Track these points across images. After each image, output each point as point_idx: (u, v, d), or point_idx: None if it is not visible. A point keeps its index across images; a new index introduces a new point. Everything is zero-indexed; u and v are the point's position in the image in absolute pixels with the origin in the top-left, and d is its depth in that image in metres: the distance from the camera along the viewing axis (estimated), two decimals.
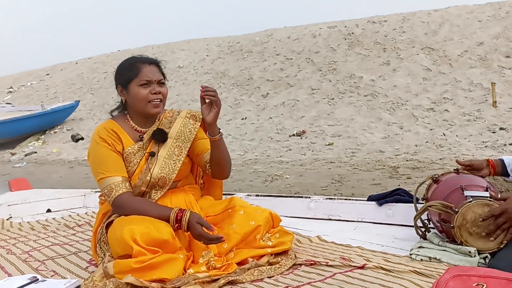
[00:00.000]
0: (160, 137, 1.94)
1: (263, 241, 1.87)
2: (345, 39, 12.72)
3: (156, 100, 1.88)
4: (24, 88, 20.12)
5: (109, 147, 1.88)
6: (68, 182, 8.09)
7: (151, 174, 1.89)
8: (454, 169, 2.12)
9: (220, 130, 1.94)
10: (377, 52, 11.77)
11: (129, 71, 1.90)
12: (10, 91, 20.28)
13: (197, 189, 2.13)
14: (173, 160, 1.94)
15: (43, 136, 13.71)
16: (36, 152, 12.17)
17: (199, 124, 2.02)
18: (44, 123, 13.73)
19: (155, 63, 1.95)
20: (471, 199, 1.69)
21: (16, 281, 1.73)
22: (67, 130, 13.66)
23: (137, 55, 2.02)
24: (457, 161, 2.14)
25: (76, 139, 12.47)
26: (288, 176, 6.79)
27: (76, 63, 21.31)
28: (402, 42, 11.73)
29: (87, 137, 12.61)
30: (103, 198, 2.01)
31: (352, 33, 12.87)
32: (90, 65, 19.62)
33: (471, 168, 2.05)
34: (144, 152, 1.92)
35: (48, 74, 21.13)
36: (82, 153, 11.33)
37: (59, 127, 14.05)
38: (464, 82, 9.71)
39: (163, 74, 1.96)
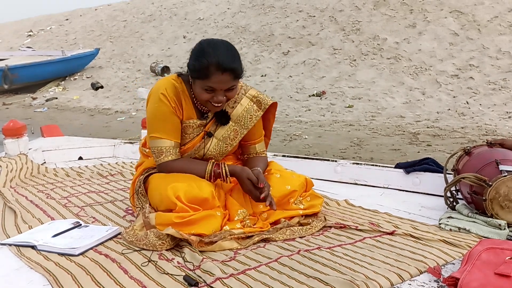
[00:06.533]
0: (224, 120, 1.94)
1: (295, 204, 1.93)
2: None
3: (216, 105, 1.81)
4: (44, 33, 20.09)
5: (171, 110, 1.85)
6: (89, 129, 8.22)
7: (204, 152, 1.94)
8: (487, 142, 2.13)
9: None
10: (403, 13, 11.41)
11: (198, 70, 1.75)
12: (30, 35, 20.29)
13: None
14: (226, 144, 1.97)
15: (63, 82, 13.81)
16: (57, 98, 12.29)
17: (261, 113, 1.98)
18: (64, 69, 13.77)
19: (230, 70, 1.73)
20: (506, 174, 1.71)
21: (60, 225, 1.82)
22: (87, 77, 13.72)
23: (218, 56, 1.72)
24: (487, 141, 2.14)
25: (96, 87, 12.54)
26: (306, 137, 6.81)
27: (96, 10, 21.11)
28: (430, 3, 11.33)
29: (107, 85, 12.67)
30: (146, 150, 2.06)
31: None
32: (110, 12, 19.41)
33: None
34: (203, 129, 1.92)
35: (67, 19, 21.02)
36: (102, 101, 11.43)
37: (79, 74, 14.10)
38: (491, 49, 9.43)
39: (238, 76, 1.77)
